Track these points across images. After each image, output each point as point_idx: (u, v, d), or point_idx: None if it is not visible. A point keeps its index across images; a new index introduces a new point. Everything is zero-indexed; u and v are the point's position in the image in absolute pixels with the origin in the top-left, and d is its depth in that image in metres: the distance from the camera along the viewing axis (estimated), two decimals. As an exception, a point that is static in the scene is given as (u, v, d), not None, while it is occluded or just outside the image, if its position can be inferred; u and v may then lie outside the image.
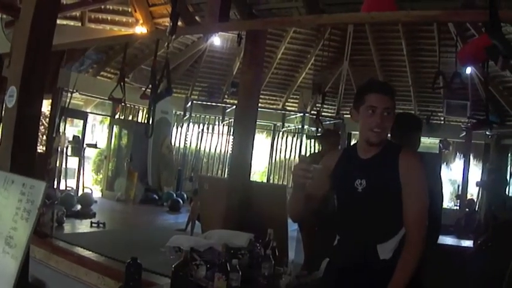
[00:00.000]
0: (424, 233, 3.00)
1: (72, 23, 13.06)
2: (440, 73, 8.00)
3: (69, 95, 11.41)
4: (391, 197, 3.04)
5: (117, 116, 15.95)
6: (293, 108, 17.97)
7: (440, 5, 8.41)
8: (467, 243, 9.65)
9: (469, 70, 12.46)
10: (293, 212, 3.49)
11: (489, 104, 7.31)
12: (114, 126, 15.80)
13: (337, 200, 3.33)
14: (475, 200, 14.71)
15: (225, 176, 15.10)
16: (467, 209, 14.12)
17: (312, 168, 2.91)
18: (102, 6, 12.73)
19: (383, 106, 3.08)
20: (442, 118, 15.89)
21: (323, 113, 14.31)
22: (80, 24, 13.29)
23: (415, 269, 2.94)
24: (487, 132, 14.64)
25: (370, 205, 3.09)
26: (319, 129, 13.45)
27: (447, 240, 10.98)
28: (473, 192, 15.57)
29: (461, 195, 15.37)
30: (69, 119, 13.79)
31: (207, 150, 18.50)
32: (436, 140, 16.21)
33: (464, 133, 15.31)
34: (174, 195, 14.55)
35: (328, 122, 15.83)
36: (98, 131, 17.35)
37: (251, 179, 6.98)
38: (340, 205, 3.32)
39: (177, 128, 17.79)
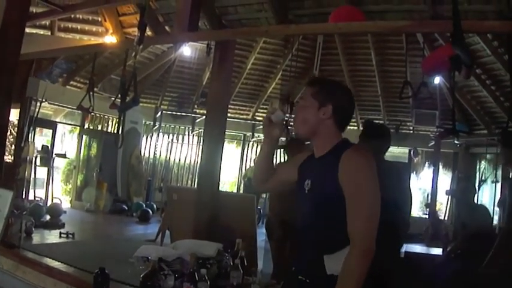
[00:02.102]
0: (369, 240, 2.60)
1: (41, 31, 13.01)
2: (407, 83, 8.08)
3: (38, 104, 11.33)
4: (331, 199, 2.74)
5: (86, 126, 15.88)
6: (263, 118, 17.98)
7: (409, 15, 8.53)
8: (436, 251, 9.70)
9: (437, 80, 12.59)
10: (256, 172, 3.37)
11: (456, 113, 7.37)
12: (84, 136, 15.73)
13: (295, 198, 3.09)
14: (444, 209, 14.84)
15: (195, 186, 15.10)
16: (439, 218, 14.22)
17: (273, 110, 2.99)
18: (72, 16, 12.69)
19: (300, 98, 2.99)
20: (411, 127, 16.03)
21: (292, 123, 14.35)
22: (49, 33, 13.25)
23: (356, 282, 2.55)
24: (456, 141, 14.80)
25: (313, 208, 2.85)
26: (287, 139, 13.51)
27: (416, 248, 11.05)
28: (442, 200, 15.69)
29: (430, 203, 15.47)
30: (38, 128, 13.69)
31: (177, 160, 18.50)
32: (405, 149, 16.35)
33: (433, 142, 15.46)
34: (144, 205, 14.50)
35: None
36: (67, 141, 17.23)
37: (220, 189, 7.00)
38: (295, 205, 3.06)
39: (146, 138, 17.78)
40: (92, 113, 9.31)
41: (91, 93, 8.13)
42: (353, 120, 16.63)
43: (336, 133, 2.99)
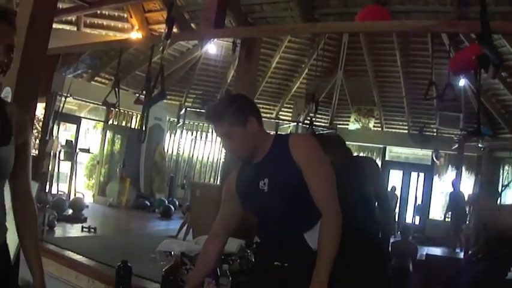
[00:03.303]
0: (336, 206, 2.86)
1: (67, 27, 13.09)
2: (433, 83, 8.03)
3: (63, 99, 11.38)
4: (296, 181, 2.89)
5: (110, 122, 15.91)
6: (286, 118, 17.93)
7: (434, 16, 8.48)
8: (458, 254, 9.67)
9: (462, 82, 12.51)
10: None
11: (481, 115, 7.33)
12: (108, 131, 15.76)
13: (250, 206, 3.20)
14: (467, 212, 14.73)
15: (217, 183, 15.08)
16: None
17: None
18: (98, 12, 12.76)
19: (219, 135, 3.11)
20: (435, 130, 15.91)
21: (316, 123, 14.31)
22: (75, 28, 13.32)
23: (336, 247, 2.79)
24: (479, 145, 14.67)
25: (282, 197, 2.94)
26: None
27: (437, 251, 11.01)
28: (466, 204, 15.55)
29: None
30: (63, 123, 13.76)
31: (200, 157, 18.50)
32: (429, 152, 16.25)
33: (456, 145, 15.32)
34: (166, 201, 14.49)
35: (321, 132, 15.81)
36: (91, 136, 17.31)
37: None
38: (254, 211, 3.19)
39: (170, 135, 17.78)
40: (117, 109, 9.33)
41: (116, 89, 8.16)
42: (377, 121, 16.68)
43: (264, 132, 3.19)
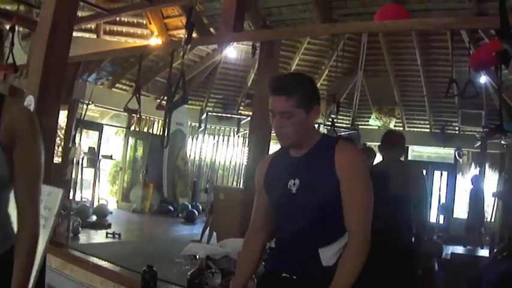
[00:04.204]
0: (367, 232, 2.70)
1: (87, 35, 13.19)
2: (453, 81, 7.99)
3: (84, 106, 11.45)
4: (329, 194, 2.72)
5: (132, 128, 16.00)
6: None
7: (453, 13, 8.43)
8: (483, 252, 9.62)
9: (483, 79, 12.43)
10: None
11: (503, 112, 7.27)
12: (130, 137, 15.85)
13: (272, 204, 3.01)
14: (491, 211, 14.60)
15: (240, 187, 15.10)
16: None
17: None
18: (117, 19, 12.84)
19: (277, 110, 2.77)
20: (457, 128, 15.82)
21: (338, 124, 14.30)
22: (95, 36, 13.42)
23: (357, 273, 2.63)
24: (502, 142, 14.55)
25: (308, 205, 2.78)
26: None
27: (460, 249, 10.96)
28: (489, 202, 15.45)
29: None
30: (85, 130, 13.85)
31: (222, 161, 18.53)
32: (451, 150, 16.16)
33: (479, 143, 15.21)
34: (190, 206, 14.54)
35: (343, 133, 15.78)
36: (113, 143, 17.40)
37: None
38: (275, 209, 3.00)
39: (192, 140, 17.83)
40: (139, 115, 9.38)
41: (137, 95, 8.20)
42: (398, 121, 16.61)
43: (314, 127, 3.01)
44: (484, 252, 9.70)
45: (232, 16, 5.61)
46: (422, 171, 6.70)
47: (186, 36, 5.35)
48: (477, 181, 13.73)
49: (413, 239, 4.99)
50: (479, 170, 15.48)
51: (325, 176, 2.74)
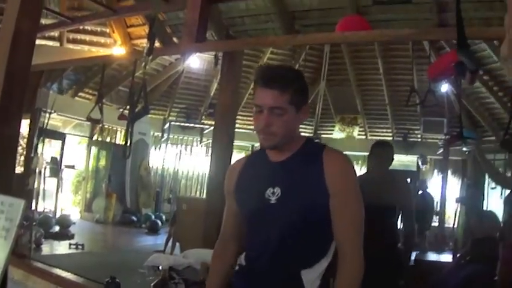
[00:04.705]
0: (361, 253, 2.40)
1: (51, 43, 13.08)
2: (414, 90, 8.10)
3: (47, 115, 11.36)
4: (317, 206, 2.42)
5: (95, 137, 15.92)
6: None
7: (414, 24, 8.54)
8: (446, 258, 9.70)
9: (445, 88, 12.59)
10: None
11: (463, 119, 7.40)
12: (92, 147, 15.79)
13: (244, 215, 2.69)
14: (454, 216, 14.77)
15: (203, 196, 15.09)
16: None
17: None
18: (81, 27, 12.76)
19: (268, 105, 2.45)
20: (419, 136, 16.00)
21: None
22: (58, 44, 13.32)
23: None
24: (464, 148, 14.72)
25: (289, 218, 2.44)
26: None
27: (425, 255, 11.04)
28: (451, 208, 15.61)
29: (439, 211, 15.40)
30: (48, 139, 13.73)
31: (185, 171, 18.51)
32: (414, 158, 16.32)
33: (441, 150, 15.39)
34: (153, 216, 14.50)
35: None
36: (76, 152, 17.28)
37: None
38: (247, 221, 2.66)
39: (155, 149, 17.79)
40: (102, 125, 9.34)
41: (100, 104, 8.16)
42: (361, 129, 16.74)
43: (298, 129, 2.67)
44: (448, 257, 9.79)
45: (195, 26, 5.60)
46: (407, 181, 6.85)
47: (148, 46, 5.35)
48: (423, 185, 13.80)
49: (399, 250, 5.10)
50: (442, 177, 15.65)
51: (312, 186, 2.43)
